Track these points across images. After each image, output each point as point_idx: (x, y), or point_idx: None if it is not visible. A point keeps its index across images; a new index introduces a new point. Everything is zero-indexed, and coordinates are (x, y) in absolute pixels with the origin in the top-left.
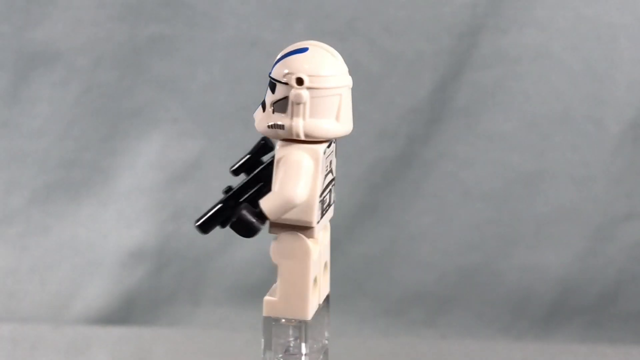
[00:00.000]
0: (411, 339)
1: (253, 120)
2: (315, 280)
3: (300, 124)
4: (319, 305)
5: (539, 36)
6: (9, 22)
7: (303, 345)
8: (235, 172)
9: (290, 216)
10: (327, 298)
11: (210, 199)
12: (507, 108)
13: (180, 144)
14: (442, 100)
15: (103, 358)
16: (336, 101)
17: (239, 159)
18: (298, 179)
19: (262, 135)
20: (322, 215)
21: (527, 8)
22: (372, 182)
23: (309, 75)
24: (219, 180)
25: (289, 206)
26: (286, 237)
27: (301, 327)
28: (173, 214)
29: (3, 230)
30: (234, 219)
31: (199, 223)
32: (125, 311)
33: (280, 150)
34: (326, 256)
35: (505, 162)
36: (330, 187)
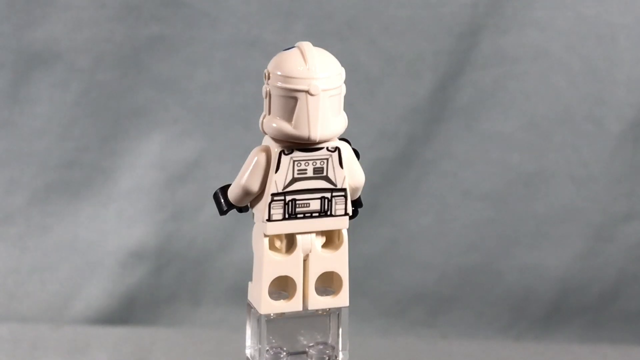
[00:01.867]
0: (411, 339)
1: (253, 120)
2: (291, 281)
3: (262, 118)
4: (306, 310)
5: (539, 36)
6: (9, 22)
7: (262, 340)
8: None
9: (255, 208)
10: (339, 311)
11: (210, 199)
12: (507, 108)
13: (180, 144)
14: (442, 100)
15: (103, 358)
16: (291, 104)
17: None
18: (246, 170)
19: None
20: (293, 217)
21: (527, 8)
22: (372, 182)
23: (271, 72)
24: (219, 180)
25: (240, 193)
26: (255, 227)
27: (258, 320)
28: (173, 214)
29: (3, 230)
30: (214, 192)
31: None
32: (126, 311)
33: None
34: (332, 266)
35: (505, 162)
36: (324, 194)
